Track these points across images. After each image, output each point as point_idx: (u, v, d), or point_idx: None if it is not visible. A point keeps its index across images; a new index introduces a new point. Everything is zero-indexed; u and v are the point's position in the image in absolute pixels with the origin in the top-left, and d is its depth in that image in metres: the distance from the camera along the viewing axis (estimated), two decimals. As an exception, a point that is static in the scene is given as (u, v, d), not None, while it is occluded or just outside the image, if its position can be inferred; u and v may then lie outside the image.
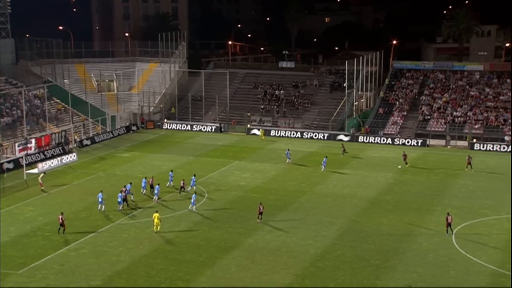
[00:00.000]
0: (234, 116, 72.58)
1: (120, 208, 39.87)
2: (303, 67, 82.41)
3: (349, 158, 56.00)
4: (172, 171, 47.04)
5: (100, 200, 39.45)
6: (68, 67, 73.77)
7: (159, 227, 35.90)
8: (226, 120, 72.35)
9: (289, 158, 53.87)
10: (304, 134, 67.09)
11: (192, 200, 39.98)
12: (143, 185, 44.49)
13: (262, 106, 74.76)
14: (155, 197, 41.73)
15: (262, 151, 60.12)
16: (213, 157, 56.85)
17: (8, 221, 37.80)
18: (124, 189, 41.42)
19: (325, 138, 66.10)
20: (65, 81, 70.76)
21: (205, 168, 52.23)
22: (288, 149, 55.12)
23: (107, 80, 75.30)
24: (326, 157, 51.39)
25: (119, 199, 40.21)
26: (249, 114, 72.09)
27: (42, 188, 45.78)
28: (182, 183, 43.67)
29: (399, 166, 51.71)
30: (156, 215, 36.12)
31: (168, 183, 45.40)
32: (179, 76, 79.40)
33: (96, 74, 74.64)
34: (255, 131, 68.94)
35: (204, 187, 46.04)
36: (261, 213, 37.33)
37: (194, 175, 44.34)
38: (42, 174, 47.03)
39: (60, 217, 35.69)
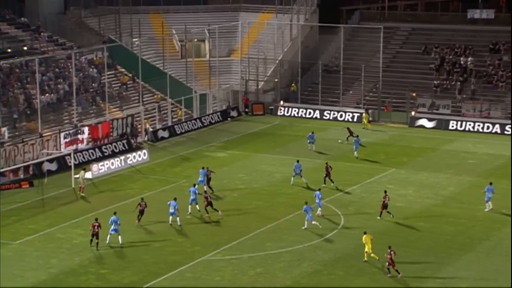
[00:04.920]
0: (389, 97, 71.64)
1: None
2: (509, 18, 79.07)
3: None
4: None
5: (113, 228, 39.76)
6: (139, 19, 77.06)
7: (367, 255, 37.26)
8: (376, 103, 71.54)
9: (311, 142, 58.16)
10: (507, 127, 65.22)
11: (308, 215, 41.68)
12: (201, 178, 47.78)
13: (436, 82, 73.16)
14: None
15: (434, 153, 59.07)
16: (354, 162, 56.57)
17: (48, 249, 39.84)
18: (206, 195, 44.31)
19: (544, 135, 63.53)
20: (134, 40, 73.87)
21: (341, 178, 51.92)
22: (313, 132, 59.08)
23: (195, 40, 77.54)
24: None
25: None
26: (414, 94, 70.87)
27: (83, 194, 48.15)
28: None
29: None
30: (367, 237, 37.49)
31: None
32: (304, 35, 79.82)
33: (180, 30, 77.10)
34: (423, 121, 67.51)
35: (339, 208, 45.90)
36: None
37: (306, 203, 43.32)
38: (82, 172, 49.22)
39: (95, 224, 38.97)
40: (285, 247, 39.64)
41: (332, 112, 71.28)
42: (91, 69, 69.04)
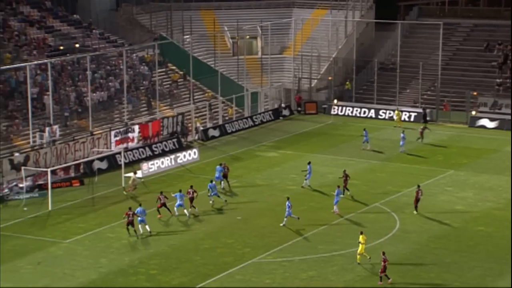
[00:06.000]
0: (448, 96, 70.90)
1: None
2: None
3: None
4: None
5: (140, 218, 41.74)
6: (190, 15, 77.57)
7: (359, 256, 37.55)
8: (435, 102, 70.83)
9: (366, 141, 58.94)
10: None
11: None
12: (217, 175, 48.79)
13: (498, 81, 72.18)
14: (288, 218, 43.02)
15: (495, 155, 58.46)
16: (410, 163, 56.19)
17: (98, 249, 40.47)
18: (190, 190, 45.47)
19: None
20: (186, 37, 74.41)
21: (396, 180, 51.63)
22: (365, 129, 59.91)
23: (247, 37, 77.72)
24: None
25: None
26: (475, 93, 70.03)
27: (132, 192, 48.81)
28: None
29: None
30: (363, 238, 37.63)
31: None
32: (360, 31, 79.40)
33: (232, 27, 77.40)
34: (484, 121, 66.75)
35: (394, 210, 45.71)
36: None
37: (288, 198, 43.84)
38: (133, 175, 49.79)
39: (129, 213, 41.20)
40: (338, 250, 39.55)
41: (388, 112, 70.69)
42: (142, 67, 69.78)
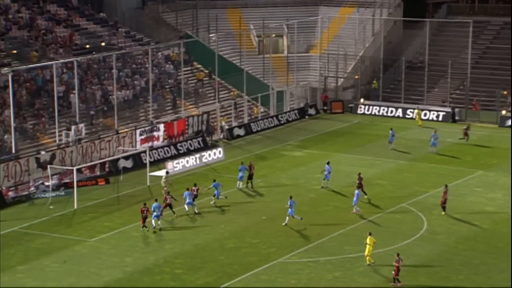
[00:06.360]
0: (478, 95, 70.45)
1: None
2: None
3: None
4: None
5: (155, 214, 42.25)
6: (216, 14, 77.79)
7: (369, 258, 37.32)
8: (464, 101, 70.35)
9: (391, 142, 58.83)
10: None
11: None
12: (240, 175, 49.09)
13: (528, 80, 71.57)
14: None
15: (525, 155, 57.79)
16: (439, 163, 55.86)
17: (123, 247, 40.62)
18: (194, 188, 46.13)
19: None
20: (211, 35, 74.61)
21: (423, 181, 51.35)
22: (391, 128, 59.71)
23: (273, 35, 77.73)
24: None
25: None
26: (505, 92, 69.56)
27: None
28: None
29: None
30: (371, 240, 37.47)
31: None
32: (387, 29, 79.15)
33: (258, 25, 77.43)
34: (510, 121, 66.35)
35: (422, 210, 45.46)
36: None
37: (291, 197, 43.81)
38: (165, 175, 49.94)
39: (144, 209, 42.20)
40: (364, 251, 39.32)
41: (415, 111, 70.32)
42: (167, 65, 70.01)
